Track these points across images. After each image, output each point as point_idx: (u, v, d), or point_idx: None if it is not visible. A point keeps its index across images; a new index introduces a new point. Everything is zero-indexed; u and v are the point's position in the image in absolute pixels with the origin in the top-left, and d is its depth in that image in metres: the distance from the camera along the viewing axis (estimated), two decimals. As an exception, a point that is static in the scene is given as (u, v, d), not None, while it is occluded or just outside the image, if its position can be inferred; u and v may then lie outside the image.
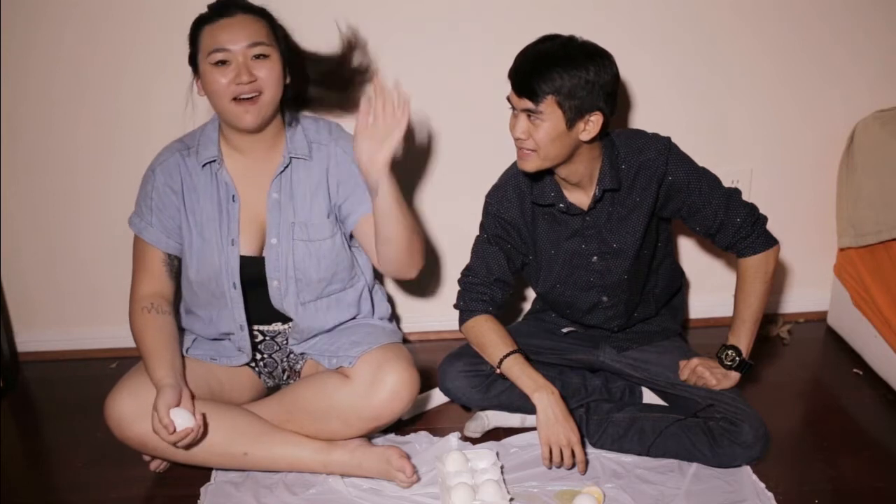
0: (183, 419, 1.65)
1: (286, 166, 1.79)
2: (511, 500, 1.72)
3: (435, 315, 2.38)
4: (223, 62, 1.68)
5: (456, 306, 1.95)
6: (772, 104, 2.23)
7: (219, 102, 1.72)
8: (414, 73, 2.13)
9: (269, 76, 1.71)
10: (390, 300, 2.09)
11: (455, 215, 2.15)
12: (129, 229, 1.84)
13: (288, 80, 1.76)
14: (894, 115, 2.15)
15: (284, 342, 1.91)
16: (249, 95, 1.69)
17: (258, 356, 1.91)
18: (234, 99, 1.70)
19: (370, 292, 1.94)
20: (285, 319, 1.88)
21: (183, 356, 1.81)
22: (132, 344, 2.13)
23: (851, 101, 2.21)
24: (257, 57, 1.70)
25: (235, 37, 1.68)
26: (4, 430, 2.08)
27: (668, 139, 1.79)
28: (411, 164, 2.23)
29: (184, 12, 2.04)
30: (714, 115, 2.23)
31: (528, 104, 1.64)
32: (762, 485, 1.76)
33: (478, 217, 1.92)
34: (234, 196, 1.78)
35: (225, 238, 1.79)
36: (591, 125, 1.67)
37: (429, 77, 2.14)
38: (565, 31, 1.74)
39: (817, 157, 2.28)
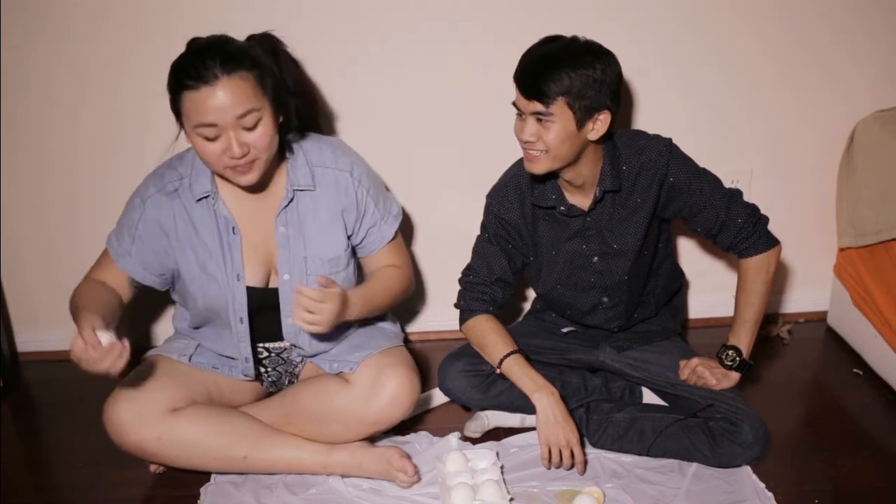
0: (107, 337, 1.52)
1: (290, 200, 1.73)
2: (511, 500, 1.72)
3: (435, 315, 2.38)
4: (212, 136, 1.57)
5: (456, 306, 1.95)
6: (772, 104, 2.23)
7: (212, 168, 1.64)
8: (414, 72, 2.14)
9: (261, 140, 1.60)
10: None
11: (455, 215, 2.15)
12: (110, 232, 1.83)
13: (282, 119, 1.67)
14: (894, 115, 2.15)
15: (290, 357, 1.90)
16: (244, 163, 1.60)
17: (263, 370, 1.90)
18: (229, 166, 1.61)
19: None
20: None
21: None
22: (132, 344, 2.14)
23: (851, 101, 2.21)
24: (248, 126, 1.58)
25: (221, 109, 1.54)
26: (4, 430, 2.08)
27: (669, 140, 1.79)
28: (412, 163, 2.23)
29: (184, 12, 2.05)
30: (714, 115, 2.23)
31: (539, 107, 1.63)
32: (762, 485, 1.76)
33: (478, 217, 1.92)
34: (234, 228, 1.72)
35: (230, 273, 1.73)
36: (600, 124, 1.67)
37: (429, 77, 2.14)
38: (565, 32, 1.74)
39: (817, 157, 2.28)
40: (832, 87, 2.22)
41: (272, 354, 1.88)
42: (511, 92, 1.71)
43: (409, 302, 2.38)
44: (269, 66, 1.63)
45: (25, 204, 2.23)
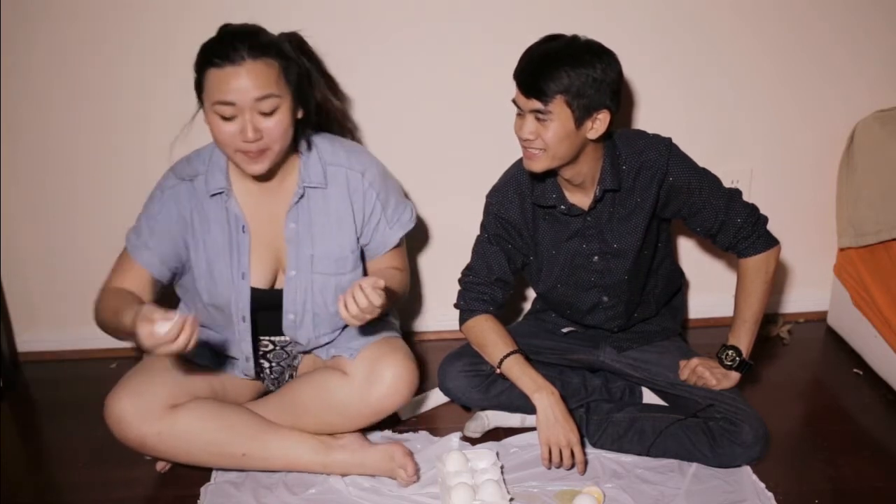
0: (169, 321, 1.47)
1: (301, 196, 1.74)
2: (511, 500, 1.72)
3: (434, 315, 2.38)
4: (228, 115, 1.60)
5: (456, 306, 1.95)
6: (772, 104, 2.23)
7: (224, 149, 1.65)
8: (414, 72, 2.14)
9: (276, 129, 1.61)
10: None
11: (455, 215, 2.15)
12: (129, 229, 1.83)
13: (301, 115, 1.69)
14: (894, 115, 2.15)
15: (292, 350, 1.90)
16: (255, 149, 1.62)
17: (266, 365, 1.90)
18: (240, 150, 1.62)
19: None
20: None
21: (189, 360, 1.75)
22: (132, 344, 2.14)
23: (851, 101, 2.21)
24: (265, 111, 1.60)
25: (242, 89, 1.57)
26: (4, 430, 2.08)
27: (668, 140, 1.79)
28: (412, 164, 2.23)
29: (184, 12, 2.05)
30: (714, 115, 2.23)
31: (537, 104, 1.64)
32: (762, 485, 1.76)
33: (478, 217, 1.92)
34: (243, 227, 1.73)
35: (235, 271, 1.74)
36: (599, 123, 1.67)
37: (429, 77, 2.14)
38: (565, 31, 1.74)
39: (817, 157, 2.28)
40: (832, 87, 2.22)
41: (276, 348, 1.88)
42: (511, 91, 1.71)
43: (409, 302, 2.38)
44: (295, 59, 1.67)
45: (25, 204, 2.23)
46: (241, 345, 1.80)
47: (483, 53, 2.12)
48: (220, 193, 1.72)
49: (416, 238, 2.30)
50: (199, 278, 1.76)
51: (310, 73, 1.72)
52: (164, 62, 2.09)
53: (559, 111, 1.63)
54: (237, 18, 2.06)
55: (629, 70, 2.15)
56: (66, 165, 2.19)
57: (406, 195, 1.93)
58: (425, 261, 2.34)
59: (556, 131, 1.65)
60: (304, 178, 1.73)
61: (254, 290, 1.75)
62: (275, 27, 2.06)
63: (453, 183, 2.23)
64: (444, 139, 2.21)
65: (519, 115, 1.70)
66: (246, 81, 1.57)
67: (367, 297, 1.57)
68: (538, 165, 1.71)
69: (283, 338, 1.86)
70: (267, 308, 1.78)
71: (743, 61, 2.18)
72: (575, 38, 1.68)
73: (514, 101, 1.70)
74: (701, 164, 1.82)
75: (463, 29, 2.11)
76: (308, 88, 1.71)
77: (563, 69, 1.61)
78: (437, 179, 2.25)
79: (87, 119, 2.14)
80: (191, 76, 2.12)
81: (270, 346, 1.88)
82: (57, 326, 2.37)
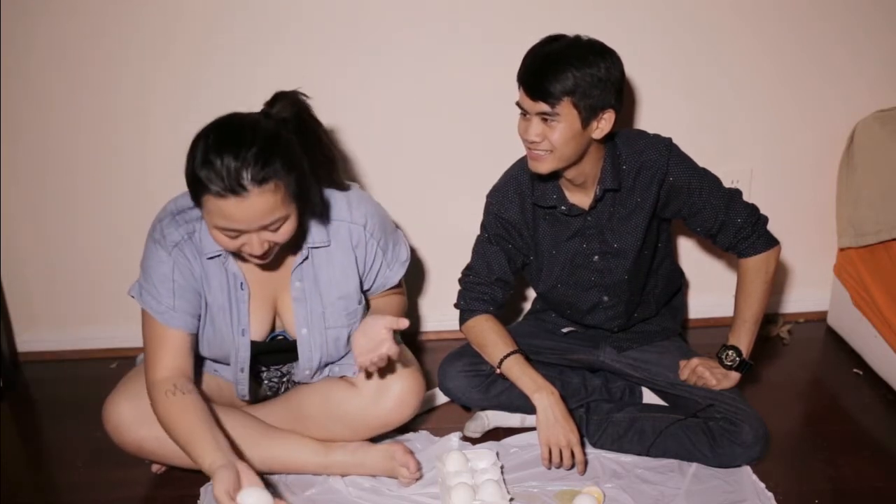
0: (256, 499, 1.42)
1: (305, 258, 1.70)
2: (511, 500, 1.72)
3: (435, 315, 2.38)
4: (232, 235, 1.51)
5: (456, 306, 1.95)
6: (772, 104, 2.23)
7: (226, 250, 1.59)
8: (414, 73, 2.14)
9: (284, 235, 1.53)
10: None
11: (455, 215, 2.15)
12: (129, 230, 1.83)
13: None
14: (894, 115, 2.15)
15: (289, 370, 1.89)
16: (262, 254, 1.55)
17: (265, 383, 1.89)
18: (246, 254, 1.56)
19: None
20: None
21: (224, 431, 1.63)
22: (132, 344, 2.13)
23: (851, 101, 2.21)
24: (272, 229, 1.51)
25: (248, 219, 1.46)
26: (4, 430, 2.08)
27: (669, 140, 1.79)
28: (413, 164, 2.23)
29: (183, 12, 2.05)
30: (714, 114, 2.23)
31: (544, 107, 1.63)
32: (762, 485, 1.76)
33: (478, 217, 1.92)
34: (242, 284, 1.68)
35: (235, 328, 1.70)
36: (605, 123, 1.67)
37: (429, 77, 2.14)
38: (566, 31, 1.73)
39: (817, 157, 2.28)
40: (832, 87, 2.22)
41: (271, 369, 1.87)
42: (511, 92, 1.71)
43: (409, 302, 2.38)
44: (297, 160, 1.52)
45: (25, 204, 2.23)
46: (237, 387, 1.80)
47: (484, 54, 2.12)
48: (217, 256, 1.66)
49: (417, 238, 2.30)
50: (203, 342, 1.73)
51: (308, 161, 1.57)
52: (163, 61, 2.09)
53: (566, 112, 1.63)
54: (237, 18, 2.07)
55: (630, 70, 2.15)
56: (66, 165, 2.19)
57: (396, 226, 1.89)
58: (425, 261, 2.34)
59: (562, 132, 1.65)
60: (309, 240, 1.69)
61: (252, 343, 1.74)
62: (275, 27, 2.08)
63: (453, 183, 2.23)
64: (446, 140, 2.21)
65: (523, 116, 1.70)
66: (252, 211, 1.46)
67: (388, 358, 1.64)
68: (544, 167, 1.70)
69: (280, 367, 1.86)
70: (265, 354, 1.79)
71: (743, 61, 2.18)
72: (577, 38, 1.68)
73: (518, 104, 1.70)
74: (701, 164, 1.82)
75: (463, 29, 2.11)
76: (311, 184, 1.59)
77: (569, 70, 1.61)
78: (437, 180, 2.25)
79: (86, 119, 2.14)
80: (191, 75, 2.14)
81: (265, 370, 1.87)
82: (57, 326, 2.37)
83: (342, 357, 1.83)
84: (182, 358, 1.65)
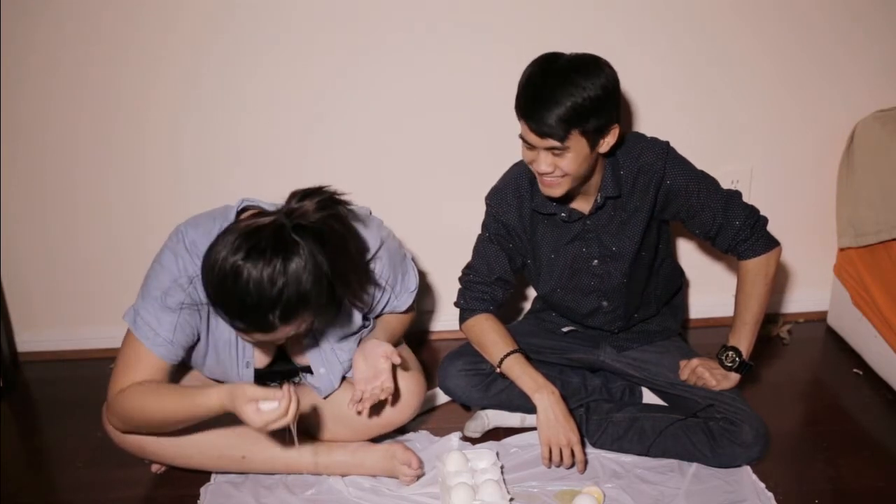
0: (272, 400, 1.46)
1: None
2: (511, 500, 1.72)
3: (435, 315, 2.38)
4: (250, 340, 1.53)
5: (456, 304, 1.95)
6: (772, 104, 2.23)
7: None
8: (415, 73, 2.14)
9: (299, 330, 1.52)
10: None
11: (456, 215, 2.15)
12: (129, 229, 1.82)
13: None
14: (894, 115, 2.15)
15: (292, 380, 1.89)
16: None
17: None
18: None
19: None
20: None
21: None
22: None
23: (851, 101, 2.21)
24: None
25: (271, 342, 1.53)
26: (4, 430, 2.08)
27: (666, 143, 1.79)
28: (413, 164, 2.23)
29: (182, 12, 2.05)
30: (714, 114, 2.23)
31: (553, 142, 1.62)
32: (762, 485, 1.76)
33: (478, 217, 1.92)
34: None
35: (241, 361, 1.71)
36: (610, 136, 1.67)
37: (429, 76, 2.14)
38: (566, 32, 1.74)
39: (817, 157, 2.28)
40: (832, 87, 2.22)
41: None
42: (511, 91, 1.70)
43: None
44: (323, 290, 1.44)
45: (25, 204, 2.23)
46: None
47: (483, 54, 2.12)
48: None
49: (417, 238, 2.30)
50: (203, 365, 1.73)
51: (336, 282, 1.50)
52: (163, 61, 2.09)
53: (575, 142, 1.62)
54: (237, 18, 2.07)
55: (629, 70, 2.15)
56: (66, 165, 2.19)
57: (405, 254, 1.87)
58: (426, 261, 2.33)
59: (574, 159, 1.64)
60: None
61: (256, 371, 1.74)
62: (274, 27, 2.07)
63: (453, 183, 2.23)
64: (445, 138, 2.21)
65: (527, 147, 1.68)
66: (275, 337, 1.49)
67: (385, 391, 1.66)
68: (559, 191, 1.70)
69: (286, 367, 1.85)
70: (267, 378, 1.79)
71: (743, 61, 2.18)
72: (568, 61, 1.64)
73: (521, 137, 1.67)
74: (701, 164, 1.82)
75: (463, 30, 2.11)
76: (335, 291, 1.52)
77: (571, 101, 1.58)
78: (437, 178, 2.25)
79: (86, 119, 2.14)
80: (191, 75, 2.13)
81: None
82: (57, 326, 2.37)
83: None
84: (156, 380, 1.62)
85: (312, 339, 1.74)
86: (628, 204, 1.78)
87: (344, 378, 1.82)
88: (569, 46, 1.69)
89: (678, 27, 2.14)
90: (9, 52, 2.06)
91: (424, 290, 2.38)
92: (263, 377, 1.80)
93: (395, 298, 1.81)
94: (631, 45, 2.13)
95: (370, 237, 1.70)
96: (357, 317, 1.76)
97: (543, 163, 1.65)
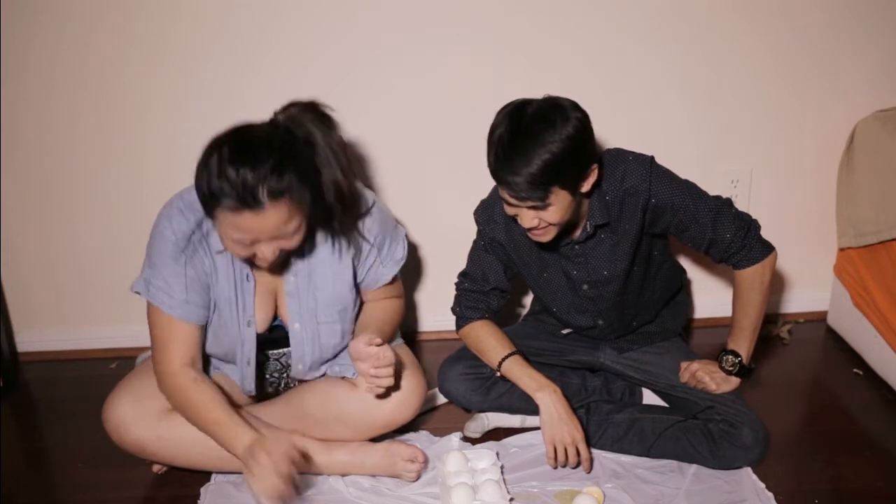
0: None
1: (301, 252, 1.70)
2: (511, 500, 1.72)
3: (435, 315, 2.38)
4: (246, 244, 1.53)
5: (453, 311, 1.94)
6: (772, 104, 2.23)
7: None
8: (415, 75, 2.14)
9: (294, 243, 1.56)
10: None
11: (455, 215, 2.15)
12: (129, 229, 1.82)
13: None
14: (894, 115, 2.15)
15: (288, 361, 1.89)
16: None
17: (265, 376, 1.90)
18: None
19: None
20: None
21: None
22: (132, 344, 2.13)
23: (851, 101, 2.21)
24: (285, 238, 1.54)
25: (262, 231, 1.49)
26: (4, 430, 2.08)
27: (650, 159, 1.73)
28: (414, 164, 2.23)
29: (182, 13, 2.05)
30: (714, 115, 2.23)
31: (535, 203, 1.59)
32: (762, 485, 1.76)
33: (478, 217, 1.92)
34: (248, 275, 1.69)
35: (242, 318, 1.71)
36: (592, 176, 1.64)
37: (428, 77, 2.14)
38: (567, 32, 1.73)
39: (817, 157, 2.28)
40: (832, 86, 2.22)
41: (271, 360, 1.88)
42: (510, 90, 1.70)
43: (408, 302, 2.38)
44: (310, 172, 1.53)
45: (25, 204, 2.23)
46: (244, 383, 1.80)
47: (483, 55, 2.12)
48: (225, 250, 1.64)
49: (417, 238, 2.30)
50: (208, 334, 1.72)
51: (323, 166, 1.57)
52: (163, 61, 2.09)
53: (556, 196, 1.59)
54: (237, 18, 2.07)
55: (629, 71, 2.16)
56: (66, 165, 2.19)
57: (397, 223, 1.88)
58: (425, 261, 2.34)
59: (557, 210, 1.61)
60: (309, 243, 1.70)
61: (258, 335, 1.74)
62: (274, 27, 2.07)
63: (453, 183, 2.23)
64: (445, 139, 2.21)
65: (509, 205, 1.64)
66: (266, 224, 1.49)
67: (382, 367, 1.63)
68: (548, 238, 1.67)
69: (280, 350, 1.85)
70: (266, 345, 1.79)
71: (743, 61, 2.18)
72: (533, 114, 1.57)
73: (501, 196, 1.64)
74: (701, 164, 1.81)
75: (463, 32, 2.11)
76: (322, 193, 1.58)
77: (543, 162, 1.53)
78: (437, 179, 2.25)
79: (86, 118, 2.14)
80: (191, 75, 2.14)
81: (264, 359, 1.87)
82: (57, 326, 2.37)
83: (336, 356, 1.83)
84: (195, 349, 1.67)
85: (296, 290, 1.72)
86: (617, 228, 1.76)
87: (330, 363, 1.83)
88: (569, 47, 1.70)
89: (678, 27, 2.14)
90: (9, 52, 2.06)
91: (424, 289, 2.38)
92: (263, 346, 1.79)
93: (381, 265, 1.80)
94: (631, 45, 2.13)
95: (364, 193, 1.73)
96: (346, 266, 1.73)
97: (527, 219, 1.62)
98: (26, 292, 2.32)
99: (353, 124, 2.16)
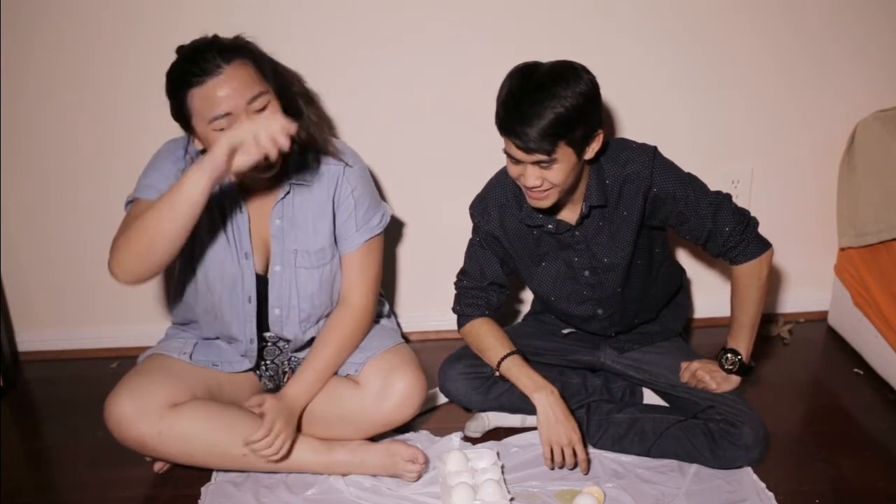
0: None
1: (287, 192, 1.75)
2: (511, 499, 1.72)
3: (435, 315, 2.38)
4: (227, 127, 1.56)
5: (453, 310, 1.95)
6: (772, 104, 2.23)
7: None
8: (414, 75, 2.14)
9: (273, 112, 1.59)
10: (383, 296, 2.08)
11: (454, 215, 2.14)
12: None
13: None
14: (894, 115, 2.15)
15: (286, 346, 1.91)
16: None
17: (261, 362, 1.91)
18: None
19: None
20: None
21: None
22: (132, 344, 2.13)
23: (851, 101, 2.21)
24: (258, 109, 1.58)
25: (232, 95, 1.55)
26: (4, 430, 2.08)
27: (653, 149, 1.75)
28: (414, 164, 2.23)
29: (181, 13, 2.05)
30: (714, 114, 2.23)
31: (540, 157, 1.60)
32: (762, 485, 1.76)
33: (478, 217, 1.92)
34: (241, 207, 1.73)
35: (239, 251, 1.75)
36: (596, 143, 1.66)
37: (427, 77, 2.14)
38: (564, 33, 1.73)
39: (817, 157, 2.28)
40: (832, 87, 2.22)
41: (269, 344, 1.89)
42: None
43: (408, 301, 2.38)
44: (261, 53, 1.66)
45: (25, 204, 2.23)
46: (245, 327, 1.80)
47: (482, 55, 2.12)
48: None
49: (416, 237, 2.30)
50: (198, 260, 1.75)
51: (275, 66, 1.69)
52: (162, 61, 2.08)
53: (562, 153, 1.61)
54: (237, 18, 2.07)
55: (629, 70, 2.16)
56: (65, 165, 2.19)
57: (383, 198, 1.89)
58: (425, 261, 2.34)
59: (561, 170, 1.62)
60: (293, 176, 1.74)
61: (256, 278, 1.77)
62: (274, 27, 2.08)
63: (452, 182, 2.23)
64: (444, 138, 2.21)
65: (512, 161, 1.66)
66: (232, 86, 1.56)
67: (264, 440, 1.70)
68: (547, 203, 1.68)
69: (273, 333, 1.86)
70: (261, 296, 1.79)
71: (743, 61, 2.18)
72: (546, 72, 1.60)
73: (505, 152, 1.65)
74: (701, 164, 1.81)
75: (462, 32, 2.11)
76: (282, 80, 1.69)
77: (555, 115, 1.56)
78: (438, 180, 2.25)
79: (86, 119, 2.14)
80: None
81: (263, 343, 1.88)
82: (57, 326, 2.37)
83: (317, 316, 1.84)
84: None
85: (280, 233, 1.75)
86: (616, 214, 1.76)
87: (340, 375, 1.83)
88: (569, 47, 1.70)
89: (678, 27, 2.14)
90: (9, 52, 2.06)
91: (423, 289, 2.38)
92: (261, 300, 1.80)
93: (356, 227, 1.80)
94: (631, 45, 2.13)
95: (348, 151, 1.82)
96: (327, 213, 1.77)
97: (531, 177, 1.63)
98: (26, 292, 2.32)
99: (352, 125, 2.17)
